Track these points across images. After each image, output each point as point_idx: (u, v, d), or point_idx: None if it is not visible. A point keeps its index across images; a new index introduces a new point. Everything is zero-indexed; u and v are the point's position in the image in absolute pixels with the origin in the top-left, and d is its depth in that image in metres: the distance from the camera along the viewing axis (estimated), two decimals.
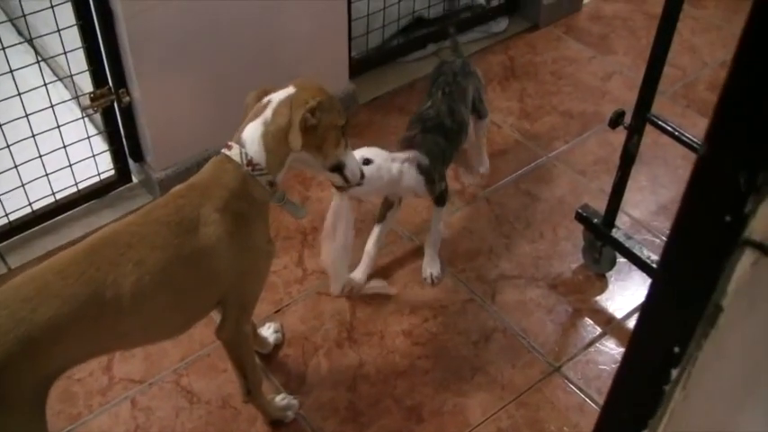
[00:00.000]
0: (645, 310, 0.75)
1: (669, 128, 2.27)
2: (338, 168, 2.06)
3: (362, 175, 2.16)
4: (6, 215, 2.71)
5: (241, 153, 1.88)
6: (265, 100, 1.94)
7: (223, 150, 1.92)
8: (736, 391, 0.80)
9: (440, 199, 2.61)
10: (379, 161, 2.34)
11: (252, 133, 1.90)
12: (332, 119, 1.96)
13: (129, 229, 1.80)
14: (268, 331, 2.46)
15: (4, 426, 1.65)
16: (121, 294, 1.71)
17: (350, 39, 3.20)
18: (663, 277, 0.72)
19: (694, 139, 2.23)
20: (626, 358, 0.80)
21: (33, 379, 1.66)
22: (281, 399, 2.29)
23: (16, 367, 1.61)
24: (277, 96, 1.93)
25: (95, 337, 1.75)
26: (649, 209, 2.95)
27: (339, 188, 2.20)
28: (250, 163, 1.88)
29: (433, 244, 2.69)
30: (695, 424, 0.81)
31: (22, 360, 1.61)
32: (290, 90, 1.94)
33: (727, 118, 0.61)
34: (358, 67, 3.34)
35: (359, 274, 2.62)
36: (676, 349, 0.73)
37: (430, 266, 2.69)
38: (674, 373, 0.74)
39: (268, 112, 1.91)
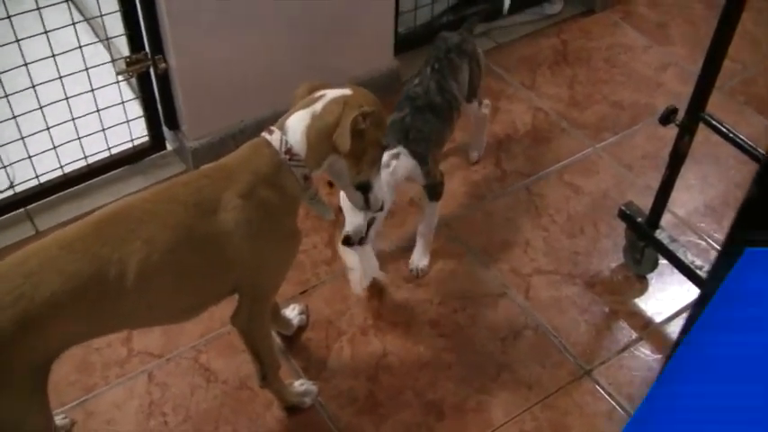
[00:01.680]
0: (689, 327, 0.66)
1: (724, 129, 2.13)
2: (364, 189, 1.98)
3: (382, 207, 2.10)
4: (37, 177, 2.68)
5: (281, 140, 1.81)
6: (319, 93, 1.87)
7: (263, 134, 1.85)
8: None
9: (433, 192, 2.49)
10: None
11: (297, 123, 1.83)
12: (378, 135, 1.90)
13: (143, 205, 1.73)
14: (292, 313, 2.40)
15: (0, 406, 1.60)
16: (126, 273, 1.64)
17: (397, 13, 3.09)
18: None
19: (750, 143, 2.10)
20: None
21: (31, 358, 1.61)
22: (299, 384, 2.23)
23: (12, 346, 1.55)
24: (332, 93, 1.86)
25: (97, 316, 1.68)
26: (696, 209, 2.82)
27: (355, 243, 2.23)
28: (289, 151, 1.80)
29: (424, 237, 2.58)
30: None
31: (19, 338, 1.55)
32: (345, 90, 1.87)
33: None
34: (404, 44, 3.23)
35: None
36: None
37: (419, 260, 2.58)
38: None
39: (318, 106, 1.84)
